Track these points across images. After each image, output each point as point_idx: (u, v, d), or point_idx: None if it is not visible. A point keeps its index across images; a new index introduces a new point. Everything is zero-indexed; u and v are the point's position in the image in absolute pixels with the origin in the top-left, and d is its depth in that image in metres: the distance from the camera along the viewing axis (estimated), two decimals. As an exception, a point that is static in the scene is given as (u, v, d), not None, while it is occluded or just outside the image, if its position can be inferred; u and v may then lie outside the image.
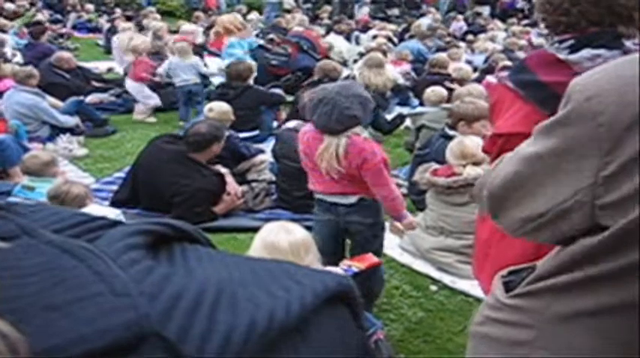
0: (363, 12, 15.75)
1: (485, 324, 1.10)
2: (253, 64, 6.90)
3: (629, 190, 0.78)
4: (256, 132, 6.06)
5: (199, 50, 8.15)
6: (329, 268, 2.65)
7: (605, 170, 0.80)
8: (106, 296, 0.39)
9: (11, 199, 3.91)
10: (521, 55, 8.95)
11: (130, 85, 7.16)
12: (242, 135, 5.38)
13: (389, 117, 6.42)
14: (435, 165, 3.85)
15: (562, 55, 1.51)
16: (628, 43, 1.52)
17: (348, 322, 0.54)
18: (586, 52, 1.48)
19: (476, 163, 3.60)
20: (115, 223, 0.51)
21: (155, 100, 7.19)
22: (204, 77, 7.07)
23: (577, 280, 0.89)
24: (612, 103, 0.80)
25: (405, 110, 6.91)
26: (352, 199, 2.77)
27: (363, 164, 2.64)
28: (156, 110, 7.28)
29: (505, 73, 1.67)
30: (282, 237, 2.19)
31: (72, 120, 6.08)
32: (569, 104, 0.86)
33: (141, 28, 10.52)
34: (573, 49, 1.51)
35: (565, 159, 0.86)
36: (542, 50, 1.65)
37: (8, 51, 8.31)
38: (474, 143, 3.66)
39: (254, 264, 0.53)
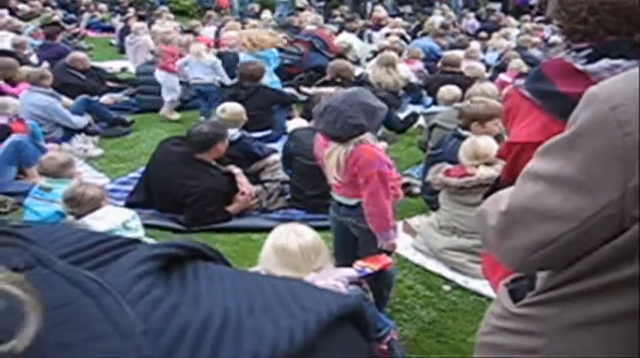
0: (378, 9, 15.66)
1: (492, 334, 1.10)
2: (264, 64, 6.90)
3: None
4: (269, 132, 6.08)
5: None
6: (342, 269, 2.67)
7: (634, 180, 0.79)
8: (112, 337, 0.41)
9: (28, 201, 3.98)
10: (534, 52, 8.90)
11: (158, 74, 7.20)
12: (255, 135, 5.40)
13: (402, 115, 6.42)
14: (447, 166, 3.85)
15: (580, 66, 1.49)
16: None
17: (354, 341, 0.54)
18: (605, 63, 1.46)
19: (489, 163, 3.60)
20: (131, 241, 0.52)
21: (172, 95, 7.19)
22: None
23: (591, 288, 0.88)
24: (637, 112, 0.79)
25: (418, 109, 6.90)
26: (352, 201, 2.79)
27: (358, 173, 2.66)
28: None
29: (521, 81, 1.64)
30: (293, 240, 2.21)
31: (83, 121, 6.13)
32: (590, 112, 0.84)
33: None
34: (591, 59, 1.49)
35: (591, 174, 0.84)
36: (559, 59, 1.60)
37: (28, 53, 8.38)
38: (487, 143, 3.66)
39: (263, 285, 0.53)
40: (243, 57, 7.13)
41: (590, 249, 0.86)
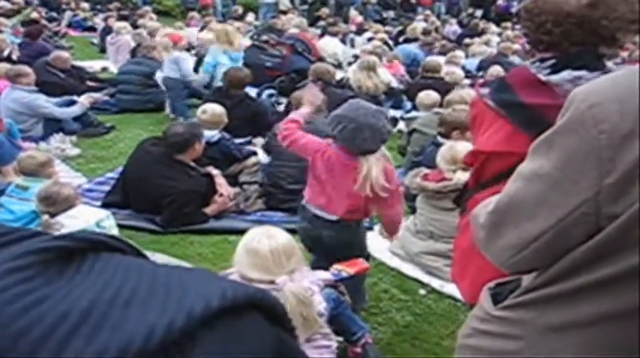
0: (354, 13, 15.80)
1: (472, 336, 1.11)
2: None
3: (634, 197, 0.78)
4: (249, 138, 6.02)
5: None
6: (318, 272, 2.68)
7: (608, 178, 0.79)
8: None
9: (4, 199, 3.92)
10: (515, 59, 9.00)
11: (158, 76, 7.23)
12: (237, 140, 5.34)
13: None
14: (425, 170, 3.87)
15: (543, 76, 1.51)
16: (609, 64, 1.52)
17: (253, 328, 0.53)
18: (567, 74, 1.48)
19: (466, 168, 3.62)
20: (35, 233, 0.51)
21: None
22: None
23: (570, 289, 0.88)
24: (614, 111, 0.80)
25: (398, 113, 6.93)
26: (333, 217, 2.78)
27: (389, 181, 2.67)
28: (150, 110, 7.30)
29: (486, 90, 1.64)
30: (264, 243, 2.22)
31: (76, 109, 6.12)
32: (569, 112, 0.86)
33: (136, 27, 10.50)
34: (554, 70, 1.50)
35: (565, 171, 0.85)
36: (523, 69, 1.62)
37: (7, 50, 8.26)
38: (465, 148, 3.68)
39: (157, 275, 0.52)
40: (214, 52, 7.12)
41: (570, 249, 0.87)
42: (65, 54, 7.74)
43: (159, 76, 7.15)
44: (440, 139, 4.28)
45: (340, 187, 2.72)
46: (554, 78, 1.49)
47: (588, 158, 0.81)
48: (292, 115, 3.03)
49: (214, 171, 4.45)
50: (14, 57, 8.18)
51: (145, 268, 0.52)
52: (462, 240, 1.81)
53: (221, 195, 4.34)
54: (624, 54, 7.71)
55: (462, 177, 3.58)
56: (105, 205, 4.29)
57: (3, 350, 0.41)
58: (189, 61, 7.41)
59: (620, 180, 0.79)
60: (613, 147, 0.79)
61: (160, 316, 0.46)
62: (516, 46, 9.98)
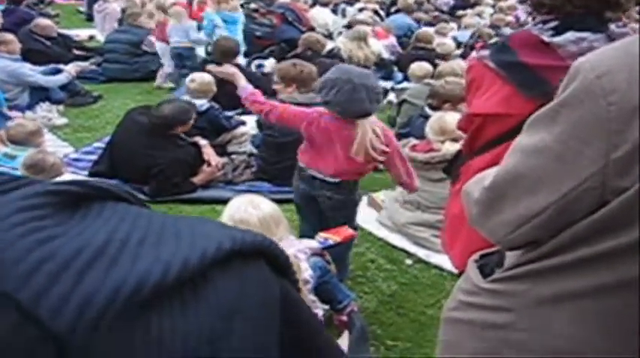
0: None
1: (459, 309, 1.09)
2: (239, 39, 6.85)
3: None
4: (241, 110, 5.97)
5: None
6: (305, 241, 2.69)
7: (617, 151, 0.76)
8: None
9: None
10: (507, 31, 8.94)
11: (158, 46, 7.21)
12: (229, 113, 5.28)
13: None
14: (414, 141, 3.87)
15: (546, 38, 1.47)
16: (612, 26, 1.48)
17: (260, 275, 0.54)
18: (570, 35, 1.44)
19: (455, 139, 3.62)
20: (31, 181, 0.51)
21: (172, 66, 7.24)
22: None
23: (569, 262, 0.86)
24: (623, 81, 0.76)
25: (388, 84, 6.89)
26: (336, 179, 2.76)
27: (388, 144, 2.67)
28: (137, 79, 7.22)
29: (486, 52, 1.59)
30: (252, 213, 2.22)
31: (62, 78, 6.06)
32: (576, 82, 0.81)
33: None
34: (557, 31, 1.47)
35: (570, 145, 0.80)
36: (525, 30, 1.57)
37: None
38: (453, 119, 3.67)
39: (166, 223, 0.52)
40: (208, 17, 7.05)
41: (571, 223, 0.84)
42: (45, 21, 7.59)
43: (159, 46, 7.11)
44: (428, 111, 4.27)
45: (338, 153, 2.70)
46: (558, 39, 1.45)
47: (596, 130, 0.77)
48: (248, 95, 2.95)
49: (202, 141, 4.42)
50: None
51: (153, 215, 0.53)
52: (453, 206, 1.80)
53: (209, 164, 4.32)
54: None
55: (451, 147, 3.58)
56: (92, 175, 4.27)
57: (16, 286, 0.40)
58: (195, 28, 7.38)
59: (629, 153, 0.75)
60: (623, 119, 0.75)
61: (175, 254, 0.47)
62: (509, 18, 9.91)
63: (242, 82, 3.03)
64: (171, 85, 7.05)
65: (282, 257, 0.58)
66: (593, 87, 0.78)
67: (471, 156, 1.72)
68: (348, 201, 2.84)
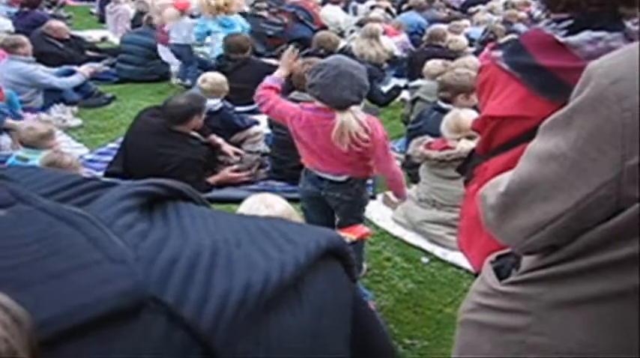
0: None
1: (476, 311, 1.09)
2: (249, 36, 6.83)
3: None
4: (254, 107, 5.97)
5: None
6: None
7: (632, 159, 0.75)
8: (103, 264, 0.39)
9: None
10: (520, 27, 8.86)
11: (160, 49, 7.19)
12: (239, 109, 5.29)
13: (385, 89, 6.38)
14: (429, 139, 3.84)
15: (561, 37, 1.43)
16: (628, 24, 1.44)
17: (340, 277, 0.54)
18: (586, 35, 1.40)
19: (470, 137, 3.59)
20: (107, 184, 0.51)
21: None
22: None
23: (581, 268, 0.86)
24: (637, 87, 0.75)
25: (401, 82, 6.86)
26: (342, 178, 2.75)
27: (371, 138, 2.61)
28: (151, 81, 7.24)
29: (498, 53, 1.56)
30: (264, 212, 2.20)
31: (75, 79, 6.08)
32: (589, 88, 0.80)
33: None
34: (572, 31, 1.43)
35: (584, 152, 0.80)
36: (538, 30, 1.53)
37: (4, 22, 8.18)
38: (469, 117, 3.64)
39: (247, 223, 0.52)
40: (201, 22, 7.02)
41: (586, 229, 0.83)
42: (58, 23, 7.62)
43: (162, 49, 7.13)
44: (441, 104, 4.23)
45: (325, 147, 2.67)
46: (573, 39, 1.41)
47: (610, 137, 0.76)
48: (267, 81, 2.95)
49: (219, 140, 4.43)
50: (7, 27, 8.09)
51: (229, 216, 0.54)
52: (469, 208, 1.77)
53: (237, 170, 4.39)
54: None
55: (466, 145, 3.55)
56: (107, 175, 4.28)
57: (156, 288, 0.40)
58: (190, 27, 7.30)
59: None
60: (637, 125, 0.74)
61: (283, 253, 0.47)
62: (522, 14, 9.81)
63: (283, 71, 3.04)
64: (187, 82, 7.04)
65: (352, 256, 0.58)
66: (607, 93, 0.77)
67: (487, 157, 1.70)
68: (355, 202, 2.83)
